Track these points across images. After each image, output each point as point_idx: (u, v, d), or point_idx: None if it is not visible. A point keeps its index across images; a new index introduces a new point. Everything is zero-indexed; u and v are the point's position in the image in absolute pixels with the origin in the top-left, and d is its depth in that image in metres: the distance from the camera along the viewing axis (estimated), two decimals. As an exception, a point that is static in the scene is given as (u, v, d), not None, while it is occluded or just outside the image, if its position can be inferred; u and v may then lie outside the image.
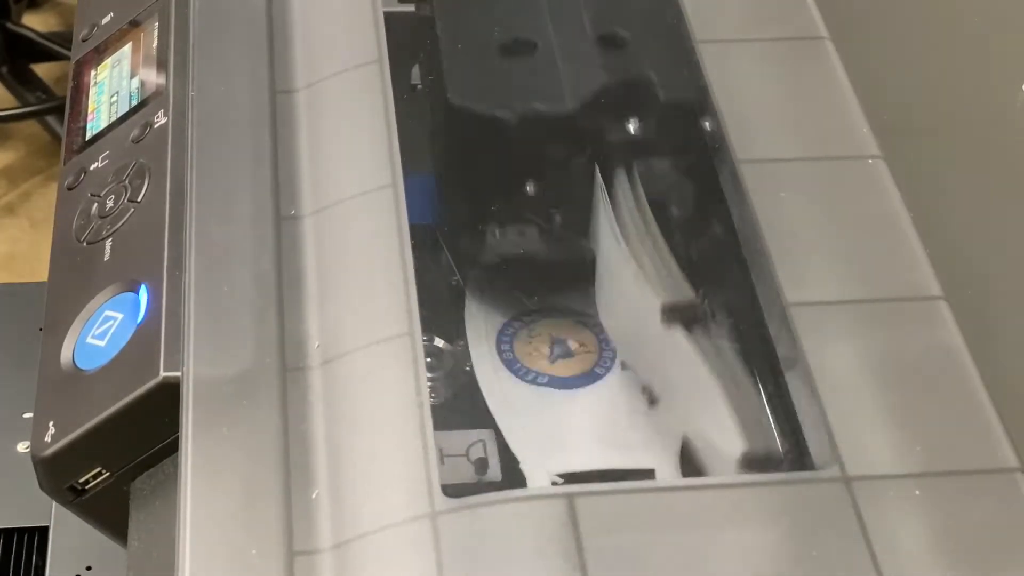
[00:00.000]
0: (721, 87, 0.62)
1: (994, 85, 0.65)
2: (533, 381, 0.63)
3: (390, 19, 0.66)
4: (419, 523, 0.47)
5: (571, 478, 0.57)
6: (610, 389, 0.63)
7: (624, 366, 0.64)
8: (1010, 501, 0.49)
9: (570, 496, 0.48)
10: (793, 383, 0.54)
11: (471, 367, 0.62)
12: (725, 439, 0.56)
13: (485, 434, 0.60)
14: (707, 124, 0.63)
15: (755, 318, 0.59)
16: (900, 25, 0.68)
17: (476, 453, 0.59)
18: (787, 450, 0.57)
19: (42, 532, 0.76)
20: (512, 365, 0.63)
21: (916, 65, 0.66)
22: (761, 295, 0.57)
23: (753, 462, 0.55)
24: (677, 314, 0.60)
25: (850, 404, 0.51)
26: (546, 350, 0.64)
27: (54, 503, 0.73)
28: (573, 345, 0.64)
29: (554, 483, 0.57)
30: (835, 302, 0.54)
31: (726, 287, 0.63)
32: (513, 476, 0.57)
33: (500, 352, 0.64)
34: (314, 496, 0.50)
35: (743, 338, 0.61)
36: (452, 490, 0.49)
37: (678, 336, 0.60)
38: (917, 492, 0.49)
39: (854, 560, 0.47)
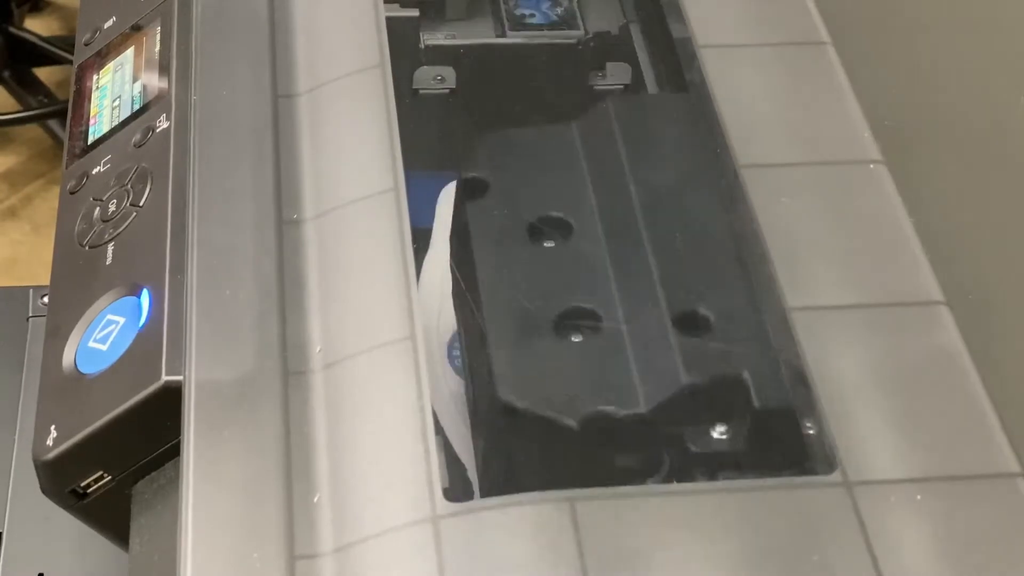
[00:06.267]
0: (723, 91, 0.62)
1: (995, 90, 0.65)
2: None
3: (392, 23, 0.66)
4: (421, 527, 0.47)
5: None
6: None
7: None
8: (1011, 506, 0.49)
9: (571, 500, 0.48)
10: (795, 387, 0.54)
11: None
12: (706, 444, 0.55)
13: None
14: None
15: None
16: (901, 30, 0.68)
17: None
18: (787, 454, 0.57)
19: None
20: (463, 372, 0.63)
21: (917, 70, 0.66)
22: (761, 296, 0.57)
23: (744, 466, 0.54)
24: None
25: (852, 409, 0.51)
26: None
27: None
28: None
29: None
30: (837, 307, 0.54)
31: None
32: (462, 485, 0.57)
33: (451, 359, 0.63)
34: (316, 500, 0.50)
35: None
36: (454, 494, 0.49)
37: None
38: (918, 497, 0.49)
39: (855, 564, 0.47)
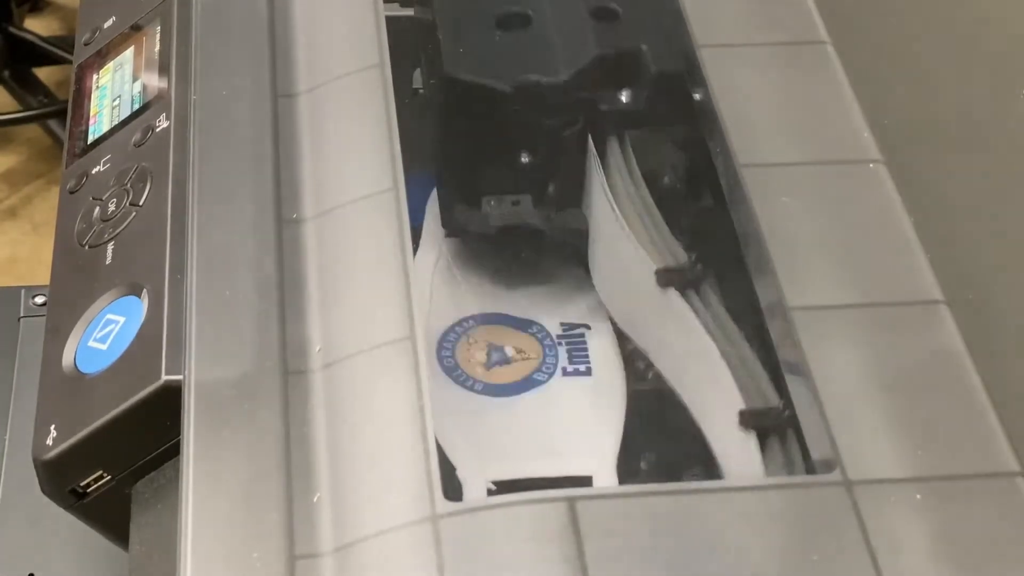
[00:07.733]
0: (723, 91, 0.62)
1: (995, 90, 0.65)
2: (472, 388, 0.63)
3: (392, 23, 0.66)
4: (420, 526, 0.47)
5: (508, 486, 0.56)
6: (550, 395, 0.63)
7: (567, 372, 0.64)
8: (1011, 505, 0.49)
9: (571, 499, 0.48)
10: (794, 387, 0.54)
11: None
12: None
13: None
14: (697, 94, 0.63)
15: (749, 298, 0.58)
16: (901, 29, 0.68)
17: None
18: (786, 449, 0.57)
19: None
20: (452, 372, 0.63)
21: (917, 69, 0.66)
22: (761, 296, 0.57)
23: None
24: (672, 278, 0.60)
25: (851, 408, 0.51)
26: (483, 357, 0.64)
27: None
28: (511, 352, 0.64)
29: (490, 491, 0.57)
30: (836, 306, 0.54)
31: (718, 253, 0.63)
32: (450, 484, 0.57)
33: (441, 359, 0.64)
34: (315, 500, 0.50)
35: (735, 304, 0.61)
36: (453, 493, 0.49)
37: (672, 301, 0.60)
38: (918, 496, 0.49)
39: (855, 563, 0.47)
